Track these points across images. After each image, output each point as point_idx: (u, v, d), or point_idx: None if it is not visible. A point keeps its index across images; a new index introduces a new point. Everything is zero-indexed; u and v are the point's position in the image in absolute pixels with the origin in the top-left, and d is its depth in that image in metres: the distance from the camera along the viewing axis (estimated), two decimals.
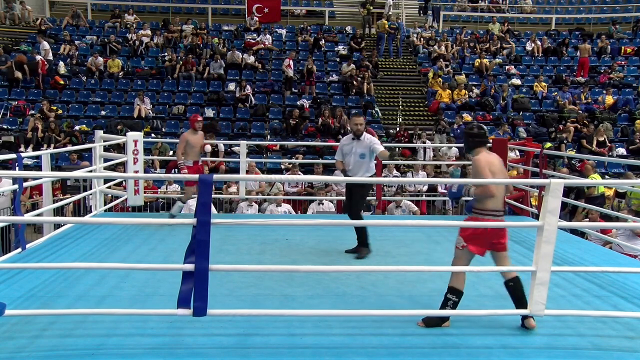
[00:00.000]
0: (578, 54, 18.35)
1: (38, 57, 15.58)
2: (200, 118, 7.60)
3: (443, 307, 3.97)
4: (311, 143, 13.24)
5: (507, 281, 4.01)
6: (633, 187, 7.25)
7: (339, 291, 4.69)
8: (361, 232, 5.92)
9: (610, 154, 13.88)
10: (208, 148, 7.78)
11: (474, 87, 16.76)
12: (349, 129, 6.02)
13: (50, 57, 16.13)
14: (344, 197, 9.84)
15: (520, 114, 15.90)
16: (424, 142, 13.37)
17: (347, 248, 6.08)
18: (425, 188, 11.29)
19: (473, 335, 3.82)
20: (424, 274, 5.10)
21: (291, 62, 16.30)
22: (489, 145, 5.19)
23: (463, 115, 15.39)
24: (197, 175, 3.54)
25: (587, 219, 8.63)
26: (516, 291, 3.94)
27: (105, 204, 7.99)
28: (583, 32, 20.17)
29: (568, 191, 9.95)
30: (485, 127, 4.20)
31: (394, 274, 5.11)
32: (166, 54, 16.79)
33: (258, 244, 6.33)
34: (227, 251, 5.92)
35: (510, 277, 4.00)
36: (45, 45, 16.06)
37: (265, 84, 16.47)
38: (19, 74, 15.39)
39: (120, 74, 16.41)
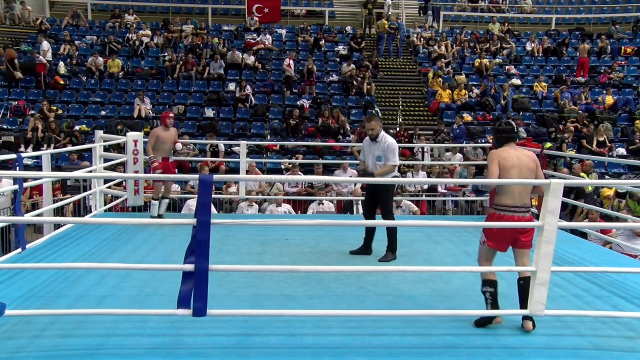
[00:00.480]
0: (578, 54, 18.36)
1: (40, 58, 15.56)
2: (171, 115, 7.55)
3: (486, 302, 3.95)
4: (311, 143, 13.24)
5: (519, 279, 3.99)
6: (634, 186, 7.24)
7: (339, 291, 4.69)
8: (393, 237, 5.83)
9: (610, 154, 13.88)
10: (179, 146, 7.75)
11: (474, 87, 16.76)
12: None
13: (50, 57, 16.11)
14: (345, 198, 9.92)
15: (520, 114, 15.90)
16: (422, 145, 13.31)
17: (347, 248, 6.08)
18: (425, 187, 11.29)
19: (473, 335, 3.82)
20: (424, 274, 5.10)
21: (291, 61, 16.29)
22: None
23: (463, 115, 15.39)
24: (196, 176, 3.54)
25: (587, 219, 8.64)
26: (524, 290, 3.88)
27: (105, 204, 7.99)
28: (583, 32, 20.17)
29: (568, 191, 9.98)
30: (513, 122, 4.24)
31: (394, 274, 5.11)
32: (166, 54, 16.79)
33: (258, 244, 6.32)
34: (227, 251, 5.91)
35: (524, 275, 3.95)
36: (45, 45, 16.04)
37: (265, 84, 16.47)
38: (18, 73, 15.41)
39: (120, 74, 16.41)
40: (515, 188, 3.94)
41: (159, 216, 7.45)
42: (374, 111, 15.32)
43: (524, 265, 3.98)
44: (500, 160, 3.97)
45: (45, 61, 15.68)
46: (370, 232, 6.01)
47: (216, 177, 3.52)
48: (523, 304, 3.86)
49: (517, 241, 3.98)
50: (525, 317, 3.92)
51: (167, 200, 7.70)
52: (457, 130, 14.49)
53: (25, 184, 5.62)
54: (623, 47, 19.05)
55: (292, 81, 16.15)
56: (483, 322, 3.96)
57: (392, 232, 5.83)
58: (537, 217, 4.01)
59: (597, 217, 8.03)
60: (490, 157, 4.03)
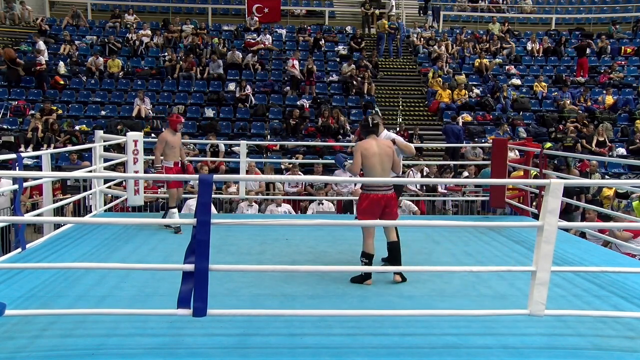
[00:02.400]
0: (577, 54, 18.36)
1: (40, 57, 15.56)
2: (182, 120, 7.34)
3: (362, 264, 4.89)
4: (311, 143, 13.24)
5: (388, 242, 5.03)
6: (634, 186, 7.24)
7: (339, 291, 4.69)
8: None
9: (610, 154, 13.88)
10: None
11: (474, 87, 16.75)
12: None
13: (46, 56, 16.07)
14: (345, 198, 9.91)
15: (520, 114, 15.90)
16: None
17: (347, 248, 6.06)
18: (419, 187, 11.27)
19: (473, 335, 3.82)
20: (424, 274, 5.10)
21: (295, 62, 16.26)
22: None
23: (463, 115, 15.40)
24: (196, 176, 3.54)
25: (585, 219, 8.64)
26: (392, 252, 5.02)
27: (105, 204, 7.99)
28: (583, 32, 20.18)
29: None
30: (371, 119, 5.11)
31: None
32: (166, 54, 16.79)
33: (258, 244, 6.32)
34: (227, 251, 5.92)
35: (392, 239, 5.03)
36: (42, 45, 16.02)
37: (265, 84, 16.47)
38: (21, 71, 15.42)
39: (120, 74, 16.41)
40: (378, 173, 4.87)
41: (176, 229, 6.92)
42: (374, 111, 15.33)
43: (391, 234, 5.03)
44: (362, 150, 4.88)
45: (44, 61, 15.64)
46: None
47: (216, 177, 3.53)
48: (393, 262, 5.01)
49: (384, 214, 4.86)
50: (395, 273, 4.90)
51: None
52: (445, 128, 14.36)
53: (25, 184, 5.62)
54: (623, 47, 19.05)
55: (297, 81, 16.12)
56: (357, 280, 4.86)
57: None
58: (536, 217, 4.01)
59: (595, 216, 8.02)
60: (355, 148, 4.96)
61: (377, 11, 19.97)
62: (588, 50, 18.28)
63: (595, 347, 3.68)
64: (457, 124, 14.42)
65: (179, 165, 7.27)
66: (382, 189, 4.84)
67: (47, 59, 16.01)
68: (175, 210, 7.10)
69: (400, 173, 5.37)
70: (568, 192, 9.87)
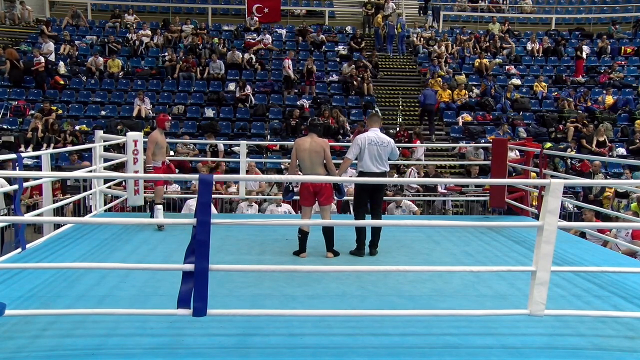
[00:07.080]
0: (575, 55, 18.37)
1: (42, 58, 15.56)
2: (169, 117, 7.40)
3: (299, 244, 5.77)
4: None
5: (323, 228, 5.81)
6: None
7: (339, 291, 4.69)
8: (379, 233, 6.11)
9: (610, 154, 13.88)
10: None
11: (474, 87, 16.75)
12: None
13: (52, 57, 16.11)
14: (345, 198, 9.89)
15: (520, 114, 15.90)
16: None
17: (347, 247, 6.07)
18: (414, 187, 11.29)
19: (473, 335, 3.82)
20: (424, 274, 5.10)
21: (289, 62, 16.23)
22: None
23: (463, 115, 15.39)
24: (196, 176, 3.54)
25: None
26: (326, 234, 5.80)
27: (105, 204, 7.99)
28: (583, 32, 20.18)
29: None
30: (317, 121, 6.23)
31: (394, 274, 5.10)
32: (166, 54, 16.79)
33: (258, 244, 6.32)
34: (227, 251, 5.91)
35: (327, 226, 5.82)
36: (51, 46, 16.05)
37: (265, 84, 16.46)
38: (21, 73, 15.45)
39: (120, 74, 16.40)
40: (307, 165, 5.80)
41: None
42: (374, 111, 15.32)
43: (325, 219, 5.87)
44: (297, 146, 5.85)
45: (43, 60, 15.63)
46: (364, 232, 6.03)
47: (216, 177, 3.53)
48: (329, 244, 5.82)
49: (318, 200, 5.78)
50: (328, 250, 5.81)
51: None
52: (422, 97, 15.10)
53: (25, 184, 5.62)
54: (623, 47, 19.04)
55: (291, 81, 16.11)
56: (296, 253, 5.79)
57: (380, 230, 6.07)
58: (536, 217, 4.01)
59: (592, 216, 8.02)
60: (294, 144, 5.89)
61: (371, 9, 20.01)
62: (588, 49, 18.24)
63: (595, 347, 3.68)
64: (432, 89, 15.61)
65: (164, 164, 7.41)
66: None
67: (51, 59, 16.00)
68: (161, 207, 7.09)
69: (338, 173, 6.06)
70: None
